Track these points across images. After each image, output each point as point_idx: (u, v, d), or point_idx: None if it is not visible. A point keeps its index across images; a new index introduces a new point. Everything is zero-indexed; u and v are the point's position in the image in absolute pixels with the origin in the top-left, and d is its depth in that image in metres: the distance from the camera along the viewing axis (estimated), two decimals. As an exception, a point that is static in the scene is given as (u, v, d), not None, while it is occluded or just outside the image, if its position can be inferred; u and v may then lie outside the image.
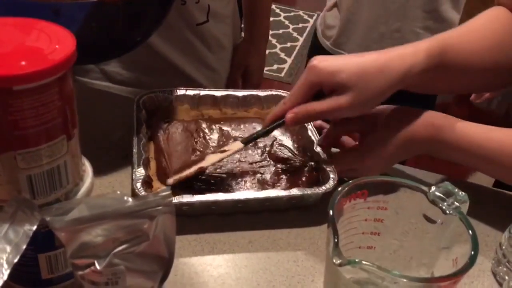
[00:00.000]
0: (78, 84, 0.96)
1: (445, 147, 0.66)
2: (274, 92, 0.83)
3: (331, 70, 0.61)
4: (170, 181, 0.66)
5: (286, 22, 3.57)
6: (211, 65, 1.04)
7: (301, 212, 0.67)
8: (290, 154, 0.74)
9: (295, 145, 0.76)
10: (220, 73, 1.07)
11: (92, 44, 0.66)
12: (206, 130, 0.76)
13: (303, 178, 0.69)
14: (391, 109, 0.69)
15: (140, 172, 0.64)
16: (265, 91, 0.83)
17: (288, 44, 3.35)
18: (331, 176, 0.67)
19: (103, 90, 0.97)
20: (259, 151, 0.74)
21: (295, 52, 3.28)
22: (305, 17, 3.67)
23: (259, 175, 0.70)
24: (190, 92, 0.81)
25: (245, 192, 0.66)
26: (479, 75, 0.70)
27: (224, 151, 0.69)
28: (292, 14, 3.68)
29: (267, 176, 0.70)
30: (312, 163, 0.71)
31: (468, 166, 0.68)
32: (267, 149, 0.74)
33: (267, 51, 1.29)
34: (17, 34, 0.44)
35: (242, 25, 1.18)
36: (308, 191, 0.66)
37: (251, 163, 0.72)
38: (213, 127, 0.77)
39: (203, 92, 0.81)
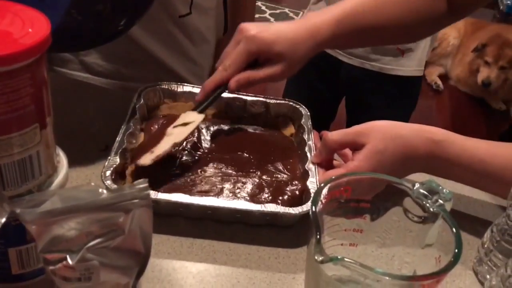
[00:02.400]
0: (56, 74, 0.94)
1: (445, 163, 0.62)
2: (284, 102, 0.79)
3: (268, 42, 0.69)
4: (147, 161, 0.61)
5: (272, 20, 3.56)
6: (193, 59, 1.02)
7: (279, 229, 0.63)
8: (280, 168, 0.69)
9: (290, 160, 0.71)
10: (202, 67, 1.05)
11: (75, 32, 0.64)
12: (203, 130, 0.73)
13: (285, 197, 0.64)
14: (384, 125, 0.64)
15: (114, 160, 0.62)
16: (275, 98, 0.79)
17: (273, 41, 3.34)
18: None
19: (82, 81, 0.95)
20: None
21: (279, 50, 3.27)
22: (291, 14, 3.66)
23: (240, 184, 0.65)
24: (197, 89, 0.77)
25: (215, 199, 0.61)
26: (390, 32, 0.77)
27: (186, 124, 0.67)
28: (278, 11, 3.66)
29: (248, 187, 0.65)
30: (297, 182, 0.66)
31: (470, 184, 0.64)
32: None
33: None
34: (-12, 17, 0.42)
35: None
36: (282, 210, 0.60)
37: (236, 170, 0.67)
38: (212, 127, 0.74)
39: None
